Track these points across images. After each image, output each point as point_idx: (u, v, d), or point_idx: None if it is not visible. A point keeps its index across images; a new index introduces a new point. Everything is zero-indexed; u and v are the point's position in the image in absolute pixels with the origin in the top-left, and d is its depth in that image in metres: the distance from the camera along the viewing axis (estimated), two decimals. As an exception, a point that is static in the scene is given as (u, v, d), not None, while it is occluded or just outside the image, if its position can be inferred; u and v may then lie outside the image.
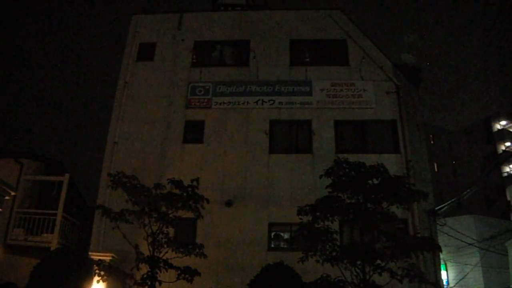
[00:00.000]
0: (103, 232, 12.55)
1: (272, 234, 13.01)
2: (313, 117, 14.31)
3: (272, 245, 12.87)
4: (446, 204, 13.61)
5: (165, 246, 9.86)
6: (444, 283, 18.45)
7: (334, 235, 8.95)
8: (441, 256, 13.80)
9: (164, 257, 9.87)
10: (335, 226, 9.23)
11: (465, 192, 13.93)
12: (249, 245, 12.47)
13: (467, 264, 19.47)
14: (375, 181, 9.07)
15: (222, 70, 15.37)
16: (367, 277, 8.45)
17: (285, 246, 13.12)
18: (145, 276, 9.44)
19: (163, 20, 16.44)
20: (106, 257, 11.12)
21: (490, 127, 43.70)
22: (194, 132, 14.34)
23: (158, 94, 14.96)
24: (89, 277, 10.19)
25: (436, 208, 13.37)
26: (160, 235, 9.89)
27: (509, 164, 40.00)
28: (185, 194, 9.95)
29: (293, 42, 15.65)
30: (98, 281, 9.92)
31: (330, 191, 9.05)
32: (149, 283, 9.39)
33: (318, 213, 8.94)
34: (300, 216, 9.01)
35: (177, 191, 9.97)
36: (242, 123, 14.30)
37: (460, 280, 19.50)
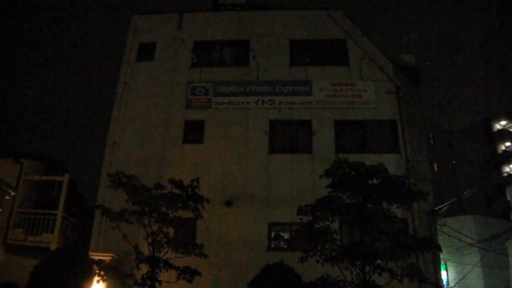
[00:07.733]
0: (103, 232, 12.55)
1: (272, 234, 13.01)
2: (313, 117, 14.31)
3: (272, 245, 12.88)
4: (446, 204, 13.60)
5: (165, 246, 9.86)
6: (444, 283, 18.41)
7: (334, 235, 8.95)
8: (441, 256, 13.79)
9: (164, 257, 9.87)
10: (335, 226, 9.23)
11: (465, 192, 13.96)
12: (249, 245, 12.48)
13: (467, 264, 19.43)
14: (375, 181, 9.07)
15: (222, 70, 15.38)
16: (367, 277, 8.45)
17: (285, 246, 13.11)
18: (145, 276, 9.44)
19: (163, 20, 16.45)
20: (106, 257, 11.15)
21: (490, 127, 43.66)
22: (194, 132, 14.35)
23: (158, 94, 14.96)
24: (89, 277, 10.21)
25: (436, 208, 13.35)
26: (160, 235, 9.90)
27: (509, 164, 39.98)
28: (185, 194, 9.96)
29: (293, 42, 15.66)
30: (98, 281, 9.95)
31: (330, 191, 9.05)
32: (149, 283, 9.40)
33: (318, 213, 8.93)
34: (300, 216, 9.00)
35: (177, 191, 9.98)
36: (242, 123, 14.30)
37: (460, 280, 19.46)
